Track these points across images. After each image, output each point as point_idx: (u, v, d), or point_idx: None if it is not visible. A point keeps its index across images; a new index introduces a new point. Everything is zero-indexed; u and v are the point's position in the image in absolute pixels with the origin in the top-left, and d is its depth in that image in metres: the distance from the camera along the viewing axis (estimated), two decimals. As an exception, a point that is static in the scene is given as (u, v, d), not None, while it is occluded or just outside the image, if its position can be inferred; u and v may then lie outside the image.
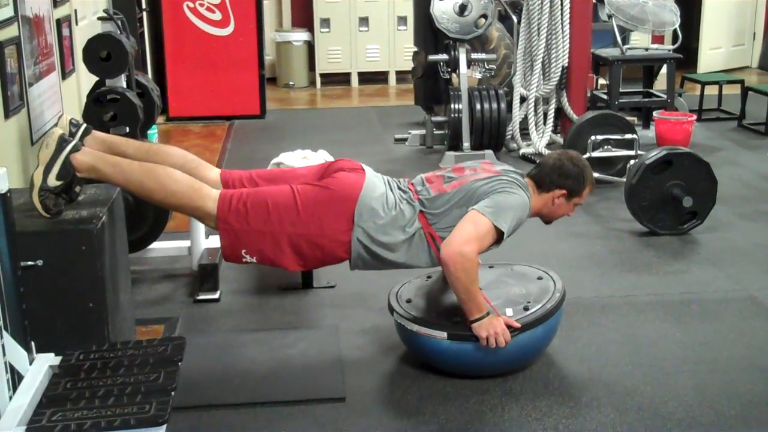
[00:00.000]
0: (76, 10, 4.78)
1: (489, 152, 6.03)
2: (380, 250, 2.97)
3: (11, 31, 3.70)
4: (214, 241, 4.23)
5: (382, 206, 2.96)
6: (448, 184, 3.07)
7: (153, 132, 6.21)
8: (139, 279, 4.07)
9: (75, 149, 2.83)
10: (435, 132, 6.53)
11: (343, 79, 9.37)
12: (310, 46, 9.24)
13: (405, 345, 3.25)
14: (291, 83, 9.25)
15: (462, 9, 6.06)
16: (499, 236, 2.95)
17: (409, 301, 3.19)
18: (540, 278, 3.30)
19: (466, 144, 6.04)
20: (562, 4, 6.08)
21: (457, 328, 3.02)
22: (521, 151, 6.28)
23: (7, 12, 3.65)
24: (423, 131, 6.65)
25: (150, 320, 3.65)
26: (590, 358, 3.28)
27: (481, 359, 3.02)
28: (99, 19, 3.95)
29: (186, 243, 4.14)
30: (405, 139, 6.73)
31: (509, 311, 3.06)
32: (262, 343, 3.40)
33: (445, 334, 3.02)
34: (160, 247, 4.16)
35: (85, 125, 3.01)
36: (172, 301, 3.87)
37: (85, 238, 2.82)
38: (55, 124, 2.95)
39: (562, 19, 6.11)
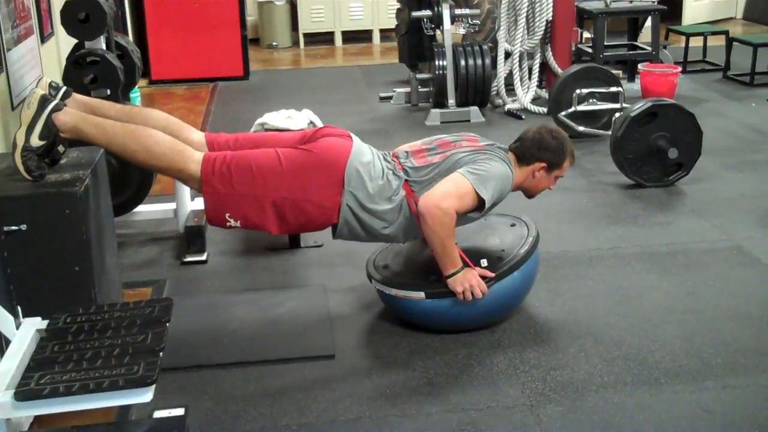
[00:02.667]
0: (52, -28, 4.70)
1: (474, 109, 6.01)
2: (368, 217, 2.96)
3: (-14, -6, 3.64)
4: (200, 203, 4.21)
5: (369, 174, 2.95)
6: (433, 157, 3.06)
7: (136, 95, 6.17)
8: (126, 242, 4.06)
9: (57, 108, 2.80)
10: (420, 89, 6.49)
11: (326, 38, 9.29)
12: (293, 6, 9.15)
13: (389, 308, 3.26)
14: (274, 43, 9.17)
15: (445, -37, 5.99)
16: (480, 203, 2.94)
17: (386, 267, 3.21)
18: (513, 225, 3.30)
19: (451, 101, 6.02)
20: (545, -43, 6.04)
21: (434, 286, 3.02)
22: (506, 107, 6.25)
23: (-18, -26, 3.59)
24: (408, 89, 6.60)
25: (137, 283, 3.63)
26: (577, 310, 3.30)
27: (462, 313, 3.03)
28: (76, -21, 3.88)
29: (171, 206, 4.12)
30: (390, 98, 6.68)
31: (484, 262, 3.06)
32: (250, 303, 3.40)
33: (422, 294, 3.03)
34: (145, 210, 4.13)
35: (65, 88, 2.97)
36: (159, 263, 3.86)
37: (68, 201, 2.79)
38: (36, 86, 2.92)
39: (545, -29, 6.07)
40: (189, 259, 3.83)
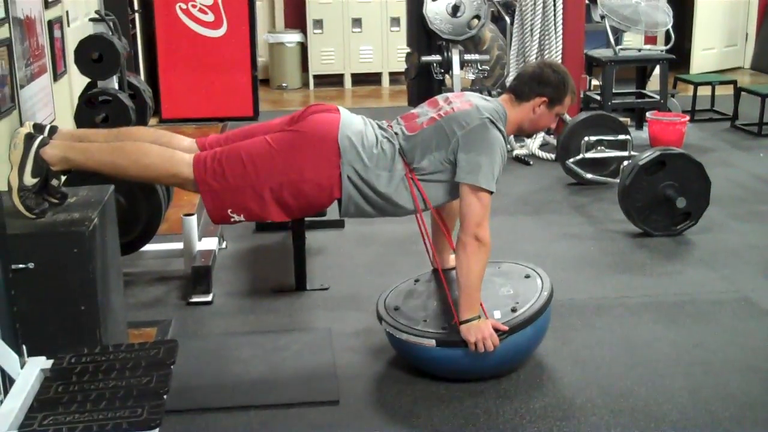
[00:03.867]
0: (67, 12, 4.77)
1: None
2: (370, 191, 2.93)
3: (2, 32, 3.68)
4: (207, 243, 4.22)
5: (363, 143, 2.91)
6: (423, 121, 3.01)
7: (145, 133, 6.19)
8: (132, 281, 4.05)
9: (43, 143, 2.81)
10: (428, 133, 6.50)
11: (336, 80, 9.35)
12: (303, 47, 9.23)
13: (396, 352, 3.24)
14: (284, 84, 9.23)
15: (455, 10, 6.04)
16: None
17: (396, 308, 3.19)
18: (527, 276, 3.28)
19: (460, 145, 6.02)
20: (555, 5, 6.11)
21: (446, 334, 3.00)
22: (514, 153, 6.26)
23: (-2, 13, 3.63)
24: (416, 132, 6.62)
25: (142, 323, 3.62)
26: (584, 360, 3.27)
27: (471, 364, 3.01)
28: (91, 20, 3.94)
29: (179, 245, 4.12)
30: (398, 141, 6.70)
31: (497, 313, 3.04)
32: (255, 346, 3.39)
33: (433, 342, 3.01)
34: (153, 249, 4.13)
35: (50, 125, 2.99)
36: (164, 303, 3.85)
37: (76, 241, 2.80)
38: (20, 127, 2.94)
39: (555, 19, 6.13)
40: (195, 299, 3.82)
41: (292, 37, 9.13)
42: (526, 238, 4.63)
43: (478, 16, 6.09)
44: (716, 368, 3.20)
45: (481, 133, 2.95)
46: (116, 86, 3.89)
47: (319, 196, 2.91)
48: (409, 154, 2.97)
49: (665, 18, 6.47)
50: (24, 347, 2.58)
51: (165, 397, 2.36)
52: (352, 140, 2.90)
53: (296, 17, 9.34)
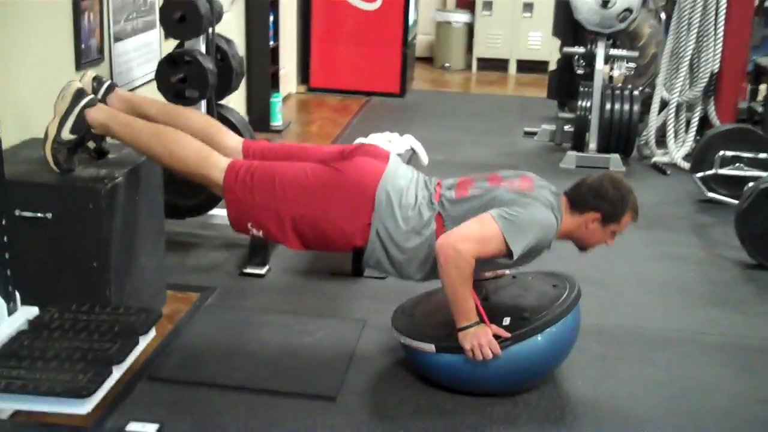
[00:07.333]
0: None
1: (615, 156, 5.60)
2: (395, 249, 2.78)
3: (96, -15, 3.74)
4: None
5: (400, 202, 2.74)
6: (475, 190, 2.80)
7: (277, 99, 6.24)
8: (199, 243, 4.07)
9: (90, 104, 2.82)
10: (565, 129, 6.14)
11: (500, 65, 9.06)
12: (470, 29, 8.99)
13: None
14: (447, 65, 9.05)
15: (606, 1, 5.62)
16: (507, 252, 2.66)
17: (411, 315, 2.99)
18: (555, 285, 2.96)
19: (592, 145, 5.65)
20: (717, 3, 5.53)
21: (448, 340, 2.77)
22: (653, 159, 5.78)
23: (92, -34, 3.69)
24: (554, 126, 6.28)
25: (189, 287, 3.61)
26: (622, 397, 2.92)
27: (474, 373, 2.76)
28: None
29: (250, 214, 4.07)
30: (534, 134, 6.38)
31: (506, 320, 2.77)
32: (280, 327, 3.28)
33: (433, 347, 2.79)
34: (224, 214, 4.11)
35: (108, 82, 3.00)
36: (220, 270, 3.82)
37: (92, 197, 2.80)
38: (80, 79, 2.95)
39: (716, 18, 5.56)
40: (248, 270, 3.77)
41: (460, 17, 8.93)
42: (624, 255, 4.21)
43: (629, 9, 5.64)
44: (774, 432, 2.77)
45: (530, 202, 2.71)
46: (203, 48, 3.87)
47: (338, 240, 2.79)
48: (447, 216, 2.77)
49: None
50: (17, 294, 2.60)
51: (113, 368, 2.31)
52: (390, 197, 2.75)
53: (467, -4, 9.12)
